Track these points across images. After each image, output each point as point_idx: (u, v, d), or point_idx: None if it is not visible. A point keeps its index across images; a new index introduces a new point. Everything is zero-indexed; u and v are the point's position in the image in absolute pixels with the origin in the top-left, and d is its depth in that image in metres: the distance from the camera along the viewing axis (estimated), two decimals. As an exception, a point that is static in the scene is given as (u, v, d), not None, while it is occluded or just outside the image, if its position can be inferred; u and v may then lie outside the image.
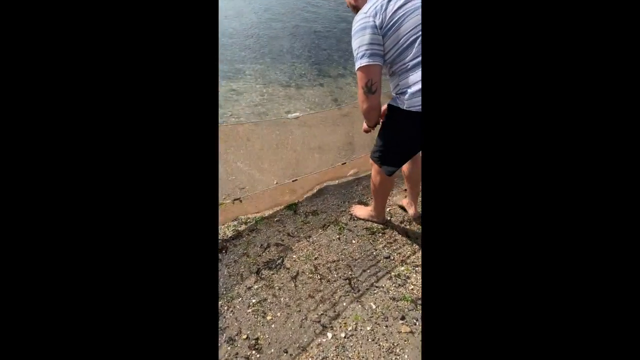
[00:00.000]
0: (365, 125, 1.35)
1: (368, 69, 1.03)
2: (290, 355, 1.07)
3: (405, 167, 1.49)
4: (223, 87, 3.29)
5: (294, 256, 1.43)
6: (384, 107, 1.22)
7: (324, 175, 1.95)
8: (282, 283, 1.31)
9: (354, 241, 1.50)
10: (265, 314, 1.19)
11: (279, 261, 1.40)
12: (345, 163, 2.03)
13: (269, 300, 1.24)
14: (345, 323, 1.16)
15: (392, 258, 1.42)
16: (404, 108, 1.08)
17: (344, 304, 1.23)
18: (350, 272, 1.35)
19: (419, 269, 1.36)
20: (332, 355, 1.07)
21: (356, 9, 1.10)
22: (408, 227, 1.59)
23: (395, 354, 1.07)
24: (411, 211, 1.64)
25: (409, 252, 1.45)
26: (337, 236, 1.53)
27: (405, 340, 1.11)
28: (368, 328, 1.14)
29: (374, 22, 0.99)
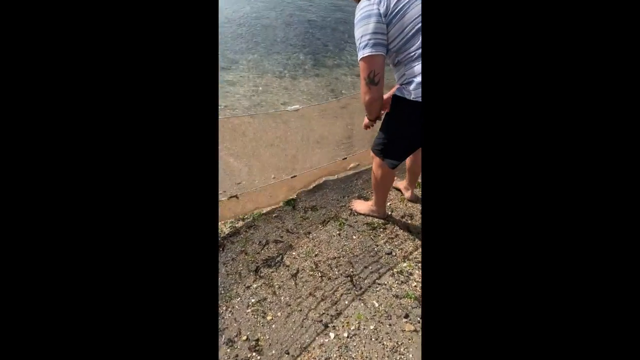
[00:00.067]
0: (366, 120, 1.30)
1: (371, 60, 0.99)
2: (292, 356, 1.04)
3: (407, 159, 1.46)
4: (216, 77, 3.20)
5: (294, 253, 1.39)
6: (386, 95, 1.17)
7: (323, 170, 1.90)
8: (282, 281, 1.27)
9: (354, 237, 1.47)
10: (265, 313, 1.16)
11: (278, 259, 1.36)
12: (346, 158, 1.99)
13: (268, 300, 1.20)
14: (347, 322, 1.13)
15: (394, 254, 1.39)
16: (410, 98, 1.04)
17: (346, 302, 1.20)
18: (351, 269, 1.32)
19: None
20: (335, 355, 1.04)
21: None
22: (410, 221, 1.56)
23: (399, 354, 1.05)
24: (407, 194, 1.65)
25: (411, 248, 1.42)
26: (338, 232, 1.50)
27: (409, 339, 1.08)
28: (371, 327, 1.12)
29: (379, 9, 0.95)
